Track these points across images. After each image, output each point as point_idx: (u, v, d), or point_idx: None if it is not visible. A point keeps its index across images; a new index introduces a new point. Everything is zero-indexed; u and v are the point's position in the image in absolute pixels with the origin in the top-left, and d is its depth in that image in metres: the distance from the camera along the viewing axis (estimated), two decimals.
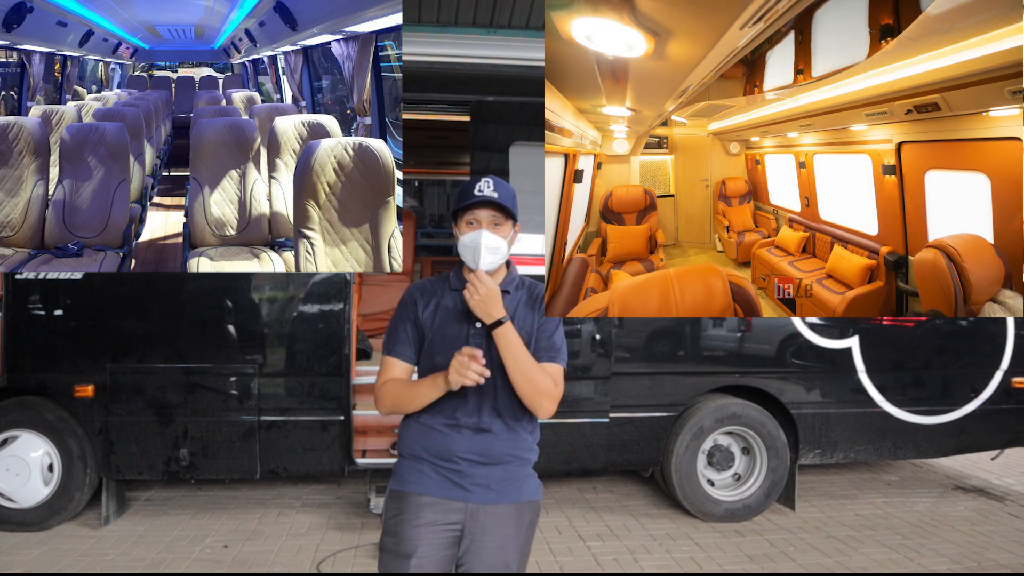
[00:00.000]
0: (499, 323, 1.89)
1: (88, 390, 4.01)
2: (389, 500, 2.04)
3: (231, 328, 4.12)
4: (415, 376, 2.05)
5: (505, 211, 1.99)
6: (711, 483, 4.59)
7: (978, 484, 5.44)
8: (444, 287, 2.07)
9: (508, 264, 2.11)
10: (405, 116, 4.86)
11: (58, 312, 4.01)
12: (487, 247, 1.95)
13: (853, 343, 4.54)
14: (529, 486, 2.04)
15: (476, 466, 1.96)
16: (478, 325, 1.97)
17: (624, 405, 4.37)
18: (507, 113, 4.43)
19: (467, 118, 4.36)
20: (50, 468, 4.12)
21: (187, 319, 4.11)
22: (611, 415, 4.35)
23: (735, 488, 4.62)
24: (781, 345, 4.51)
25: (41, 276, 3.98)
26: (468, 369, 1.82)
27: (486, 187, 1.96)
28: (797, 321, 4.48)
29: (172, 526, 4.32)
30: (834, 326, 4.53)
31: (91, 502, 4.32)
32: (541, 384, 1.96)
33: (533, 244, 4.28)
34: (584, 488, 5.15)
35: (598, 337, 4.30)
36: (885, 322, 4.64)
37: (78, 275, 4.00)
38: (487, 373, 1.84)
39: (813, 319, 4.51)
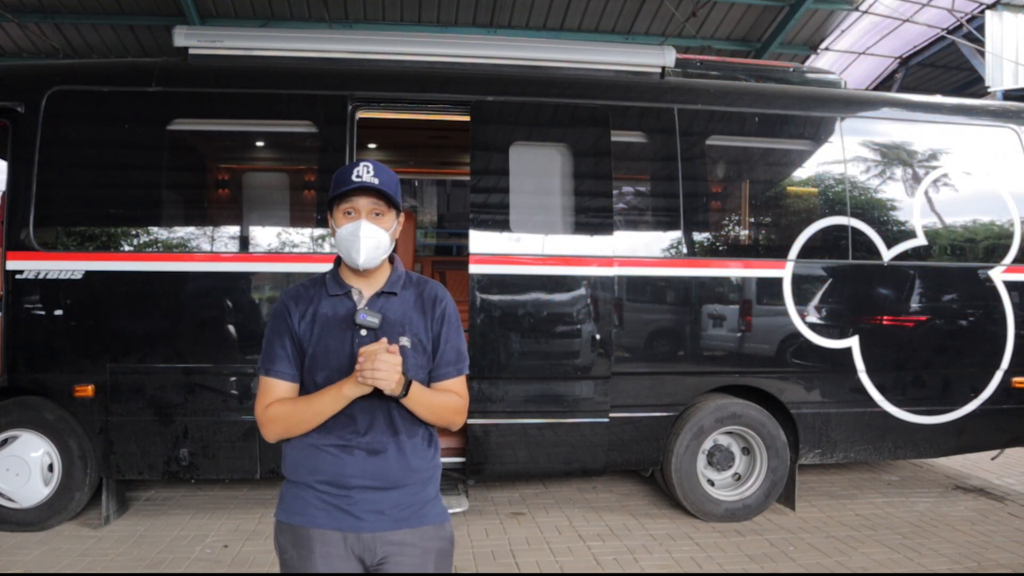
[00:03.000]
0: (406, 390, 1.70)
1: (88, 390, 4.01)
2: (278, 532, 1.82)
3: (231, 328, 4.12)
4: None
5: (387, 199, 1.78)
6: (711, 483, 4.60)
7: (978, 484, 5.44)
8: (320, 293, 1.83)
9: (392, 259, 1.90)
10: (405, 116, 4.85)
11: (58, 312, 4.00)
12: (367, 238, 1.75)
13: (853, 343, 4.54)
14: (432, 510, 1.84)
15: (369, 492, 1.75)
16: (363, 333, 1.76)
17: (624, 405, 4.37)
18: (507, 113, 4.43)
19: (467, 118, 4.35)
20: (50, 468, 4.12)
21: (187, 319, 4.11)
22: (611, 415, 4.34)
23: (735, 488, 4.62)
24: (781, 345, 4.51)
25: (41, 276, 3.98)
26: (381, 363, 1.62)
27: (365, 172, 1.75)
28: (797, 321, 4.48)
29: (172, 526, 4.32)
30: (834, 326, 4.53)
31: (91, 502, 4.32)
32: (450, 413, 1.83)
33: (533, 244, 4.29)
34: (584, 488, 5.16)
35: (598, 337, 4.30)
36: (885, 322, 4.64)
37: (78, 275, 4.00)
38: (377, 376, 1.63)
39: (813, 319, 4.51)
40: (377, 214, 1.79)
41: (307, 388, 1.81)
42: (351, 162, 1.81)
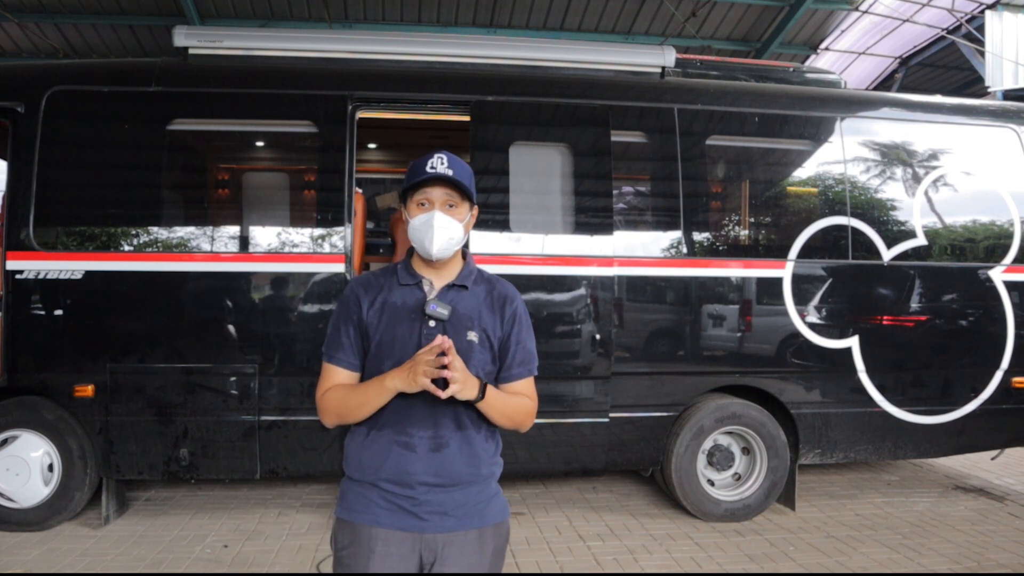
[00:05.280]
0: (482, 394, 1.71)
1: (88, 390, 4.01)
2: (337, 529, 1.83)
3: (231, 328, 4.12)
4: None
5: (461, 190, 1.79)
6: (711, 483, 4.60)
7: (978, 484, 5.44)
8: (391, 281, 1.85)
9: (465, 255, 1.91)
10: (405, 116, 4.85)
11: (58, 312, 4.00)
12: (440, 228, 1.75)
13: (853, 343, 4.54)
14: (493, 507, 1.83)
15: (433, 491, 1.75)
16: (432, 324, 1.75)
17: (624, 405, 4.37)
18: (507, 113, 4.43)
19: (467, 118, 4.35)
20: (50, 468, 4.12)
21: (187, 319, 4.11)
22: (611, 415, 4.34)
23: (735, 488, 4.63)
24: (781, 345, 4.51)
25: (41, 276, 3.98)
26: (435, 367, 1.60)
27: (439, 163, 1.76)
28: (797, 321, 4.48)
29: (172, 526, 4.32)
30: (834, 326, 4.53)
31: (91, 502, 4.32)
32: (522, 416, 1.84)
33: (533, 244, 4.30)
34: (584, 488, 5.16)
35: (598, 337, 4.30)
36: (885, 322, 4.64)
37: (78, 275, 4.00)
38: (456, 377, 1.62)
39: (813, 319, 4.51)
40: (451, 205, 1.80)
41: (372, 375, 1.80)
42: (426, 153, 1.83)
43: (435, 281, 1.85)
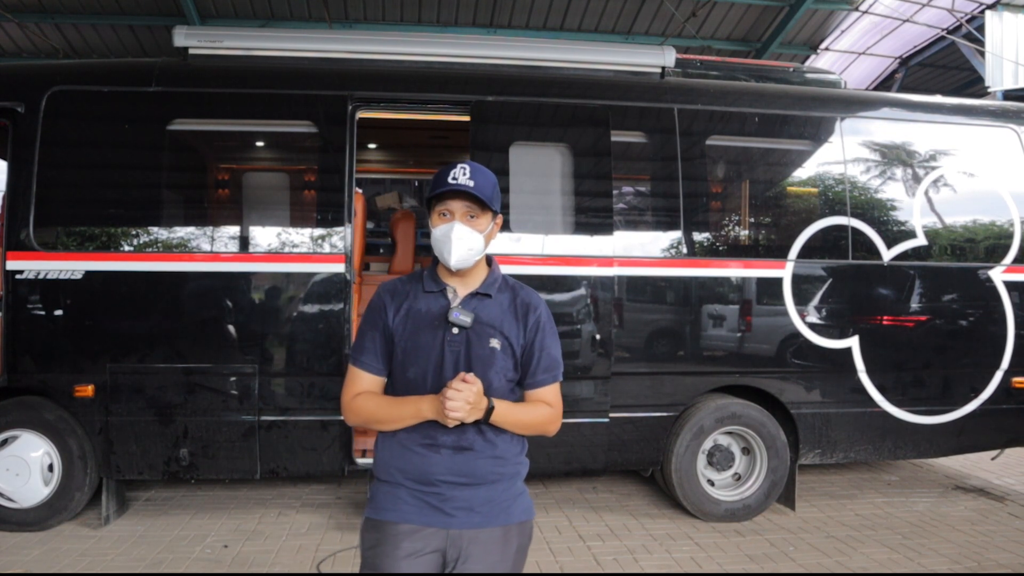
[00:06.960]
0: (487, 416, 1.74)
1: (88, 390, 4.01)
2: (365, 529, 1.86)
3: (231, 328, 4.12)
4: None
5: (482, 203, 1.80)
6: (711, 483, 4.60)
7: (978, 484, 5.44)
8: (416, 288, 1.88)
9: (490, 262, 1.94)
10: (405, 116, 4.85)
11: (58, 312, 4.00)
12: (459, 240, 1.78)
13: (853, 343, 4.54)
14: (519, 506, 1.86)
15: (458, 488, 1.78)
16: (455, 331, 1.79)
17: (624, 405, 4.37)
18: (507, 113, 4.43)
19: (467, 118, 4.35)
20: (50, 468, 4.12)
21: (187, 319, 4.11)
22: (611, 415, 4.34)
23: (735, 488, 4.62)
24: (781, 345, 4.51)
25: (41, 276, 3.98)
26: (463, 405, 1.67)
27: (461, 175, 1.78)
28: (797, 321, 4.48)
29: (172, 526, 4.32)
30: (834, 326, 4.53)
31: (91, 502, 4.32)
32: (540, 425, 1.87)
33: (533, 244, 4.30)
34: (584, 488, 5.16)
35: (598, 337, 4.30)
36: (885, 322, 4.64)
37: (78, 275, 4.00)
38: (457, 409, 1.67)
39: (813, 319, 4.51)
40: (472, 216, 1.81)
41: (397, 381, 1.85)
42: (451, 163, 1.84)
43: (459, 289, 1.87)
